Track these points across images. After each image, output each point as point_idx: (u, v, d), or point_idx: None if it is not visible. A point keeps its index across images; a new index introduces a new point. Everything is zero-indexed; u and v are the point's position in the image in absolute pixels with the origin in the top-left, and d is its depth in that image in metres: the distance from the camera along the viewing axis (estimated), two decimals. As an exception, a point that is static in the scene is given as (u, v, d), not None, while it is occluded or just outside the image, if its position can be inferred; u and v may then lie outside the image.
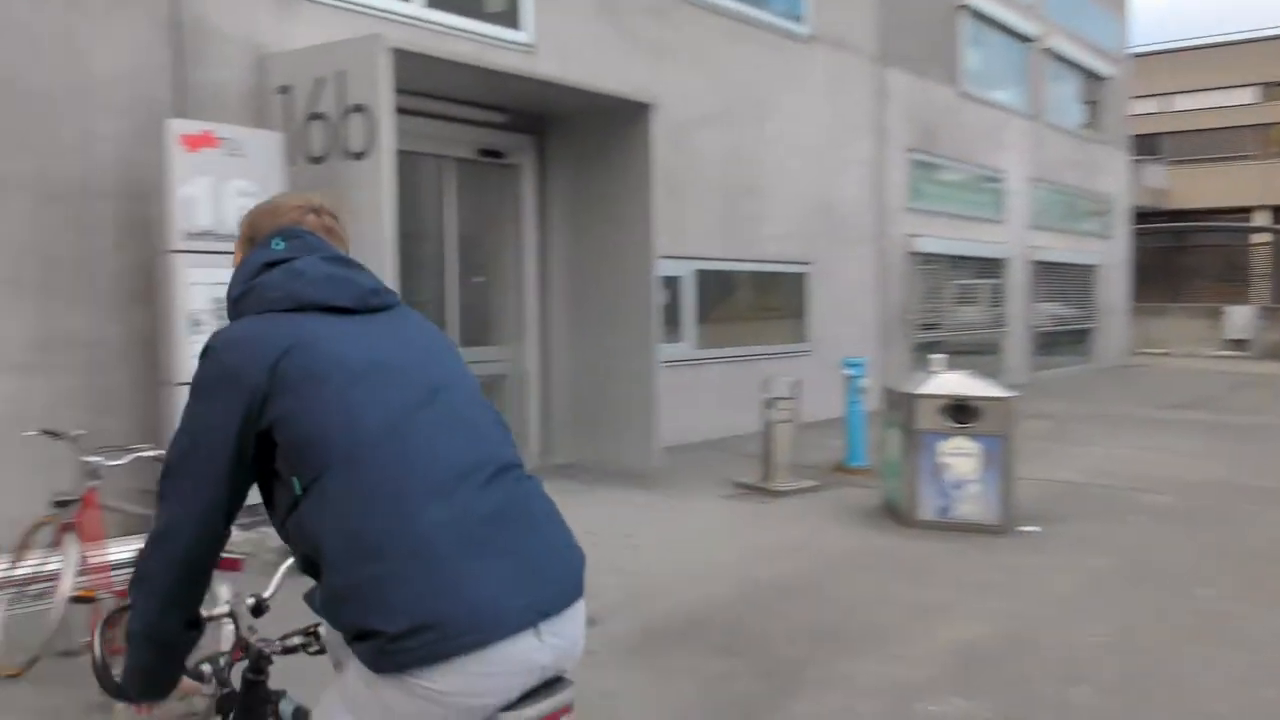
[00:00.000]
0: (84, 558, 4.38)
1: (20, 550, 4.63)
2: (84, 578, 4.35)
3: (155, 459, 4.62)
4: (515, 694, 1.80)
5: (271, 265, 2.05)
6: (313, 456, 1.84)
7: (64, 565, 4.46)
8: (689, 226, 10.73)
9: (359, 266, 2.12)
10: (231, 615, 2.21)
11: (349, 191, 6.70)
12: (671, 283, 10.29)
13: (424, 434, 1.89)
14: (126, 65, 6.67)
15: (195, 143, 6.24)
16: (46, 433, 4.61)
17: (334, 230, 2.20)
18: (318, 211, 2.19)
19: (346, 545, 1.79)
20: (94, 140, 6.50)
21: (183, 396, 5.97)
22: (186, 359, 6.24)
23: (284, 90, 7.15)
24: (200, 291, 6.29)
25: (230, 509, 1.94)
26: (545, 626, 1.81)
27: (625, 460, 8.95)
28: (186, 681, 2.09)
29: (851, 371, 9.39)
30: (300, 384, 1.87)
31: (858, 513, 7.65)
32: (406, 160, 8.04)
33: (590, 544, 2.14)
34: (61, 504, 4.50)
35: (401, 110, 6.93)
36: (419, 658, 1.72)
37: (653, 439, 8.83)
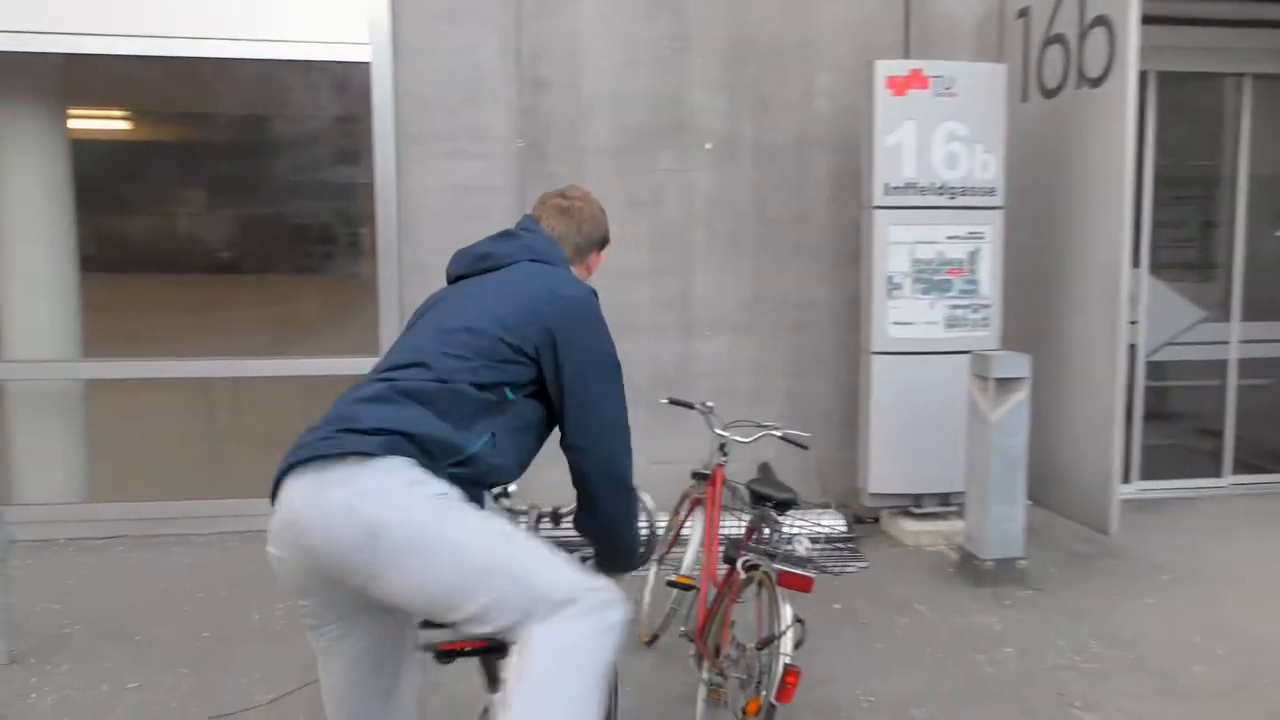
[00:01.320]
0: (705, 536, 4.10)
1: (673, 517, 4.54)
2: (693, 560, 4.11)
3: (786, 438, 4.18)
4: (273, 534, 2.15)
5: None
6: None
7: (689, 543, 4.26)
8: None
9: (509, 236, 2.62)
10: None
11: (1084, 129, 5.44)
12: None
13: (396, 347, 2.38)
14: (857, 13, 6.28)
15: (902, 85, 5.57)
16: (676, 402, 4.43)
17: (567, 208, 2.69)
18: (564, 194, 2.75)
19: None
20: (813, 95, 6.26)
21: (879, 366, 4.83)
22: (884, 326, 5.69)
23: (1022, 13, 6.09)
24: (899, 252, 5.66)
25: None
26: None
27: None
28: None
29: None
30: None
31: None
32: (1172, 83, 6.37)
33: None
34: (699, 476, 4.29)
35: (1164, 20, 5.40)
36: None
37: None
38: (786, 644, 3.09)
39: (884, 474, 5.78)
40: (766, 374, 6.35)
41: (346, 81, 6.08)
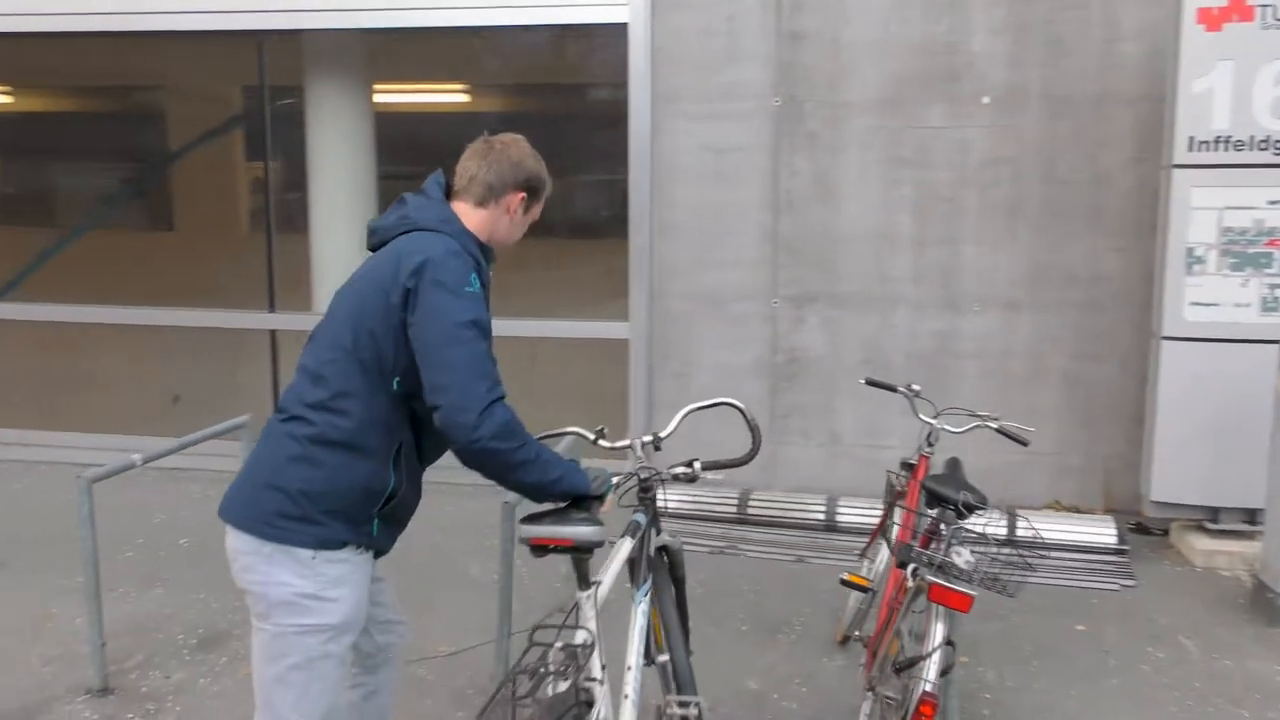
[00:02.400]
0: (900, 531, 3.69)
1: (884, 507, 4.15)
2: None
3: (1004, 431, 3.67)
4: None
5: None
6: None
7: (886, 538, 3.86)
8: None
9: (398, 204, 2.41)
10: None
11: None
12: None
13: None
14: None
15: (1217, 18, 4.65)
16: (875, 383, 3.99)
17: (485, 149, 2.46)
18: (492, 137, 2.50)
19: None
20: (1118, 36, 5.40)
21: (1171, 353, 5.12)
22: (1180, 307, 4.85)
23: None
24: (1203, 219, 4.77)
25: None
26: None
27: None
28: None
29: None
30: None
31: None
32: None
33: None
34: (906, 466, 3.87)
35: None
36: None
37: None
38: (930, 669, 2.68)
39: (1170, 479, 4.93)
40: (1043, 357, 5.62)
41: (603, 43, 6.07)
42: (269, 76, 6.57)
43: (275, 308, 6.56)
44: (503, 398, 2.20)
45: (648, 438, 2.81)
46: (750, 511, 5.45)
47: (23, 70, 7.03)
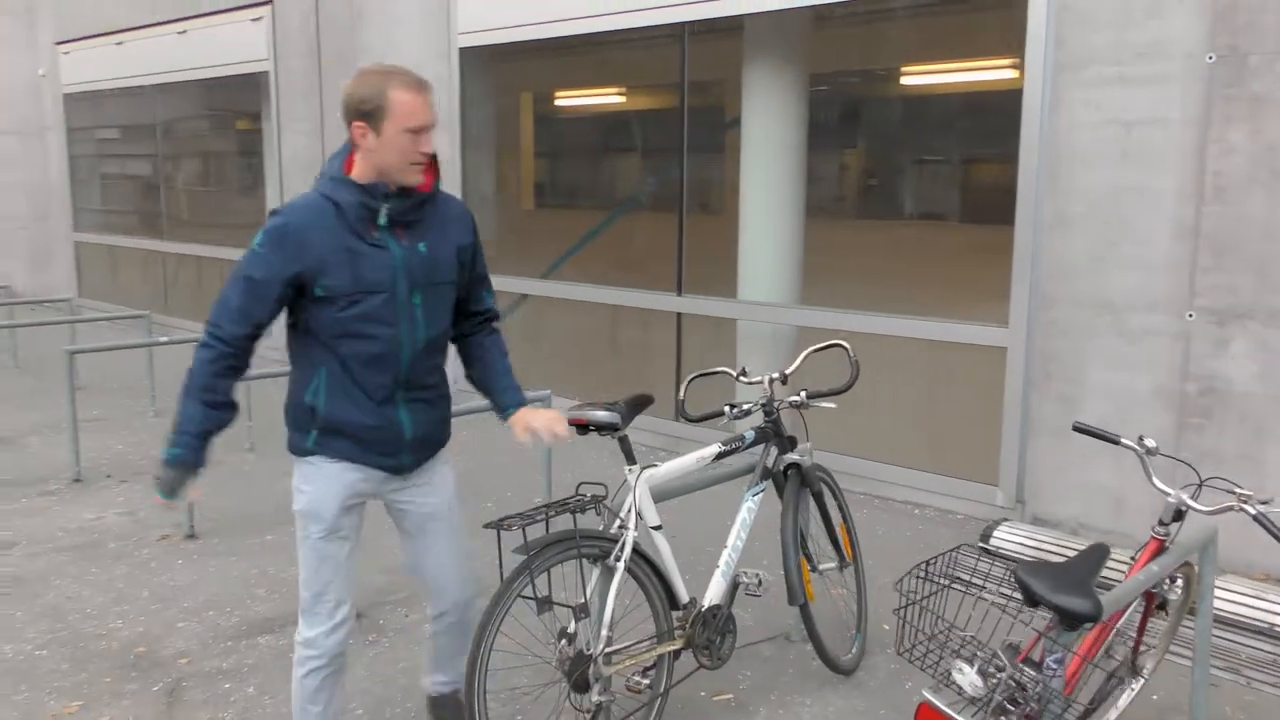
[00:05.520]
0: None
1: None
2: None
3: (1260, 520, 2.60)
4: None
5: None
6: None
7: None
8: None
9: None
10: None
11: None
12: None
13: None
14: None
15: None
16: (1087, 431, 2.93)
17: None
18: None
19: None
20: None
21: None
22: None
23: None
24: None
25: None
26: None
27: None
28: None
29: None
30: None
31: None
32: None
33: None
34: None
35: None
36: None
37: None
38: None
39: None
40: None
41: (1001, 4, 5.21)
42: (689, 71, 6.74)
43: (682, 291, 6.77)
44: (205, 341, 2.53)
45: (775, 374, 3.49)
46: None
47: (565, 76, 8.07)
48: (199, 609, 4.25)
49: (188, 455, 2.55)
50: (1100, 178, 4.82)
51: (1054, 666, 2.22)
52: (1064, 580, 2.22)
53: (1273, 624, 3.72)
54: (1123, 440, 2.85)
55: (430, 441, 2.77)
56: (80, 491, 5.84)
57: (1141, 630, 2.97)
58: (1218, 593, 3.88)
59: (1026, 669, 2.19)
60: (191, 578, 4.58)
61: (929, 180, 5.85)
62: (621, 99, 7.43)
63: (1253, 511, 2.56)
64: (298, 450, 2.67)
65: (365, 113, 2.45)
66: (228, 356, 2.53)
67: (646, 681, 3.04)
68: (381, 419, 2.62)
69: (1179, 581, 2.97)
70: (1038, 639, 2.32)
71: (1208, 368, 4.58)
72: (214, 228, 11.11)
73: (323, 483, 2.63)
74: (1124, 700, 3.26)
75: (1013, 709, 2.23)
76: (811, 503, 3.58)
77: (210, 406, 2.54)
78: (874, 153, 6.18)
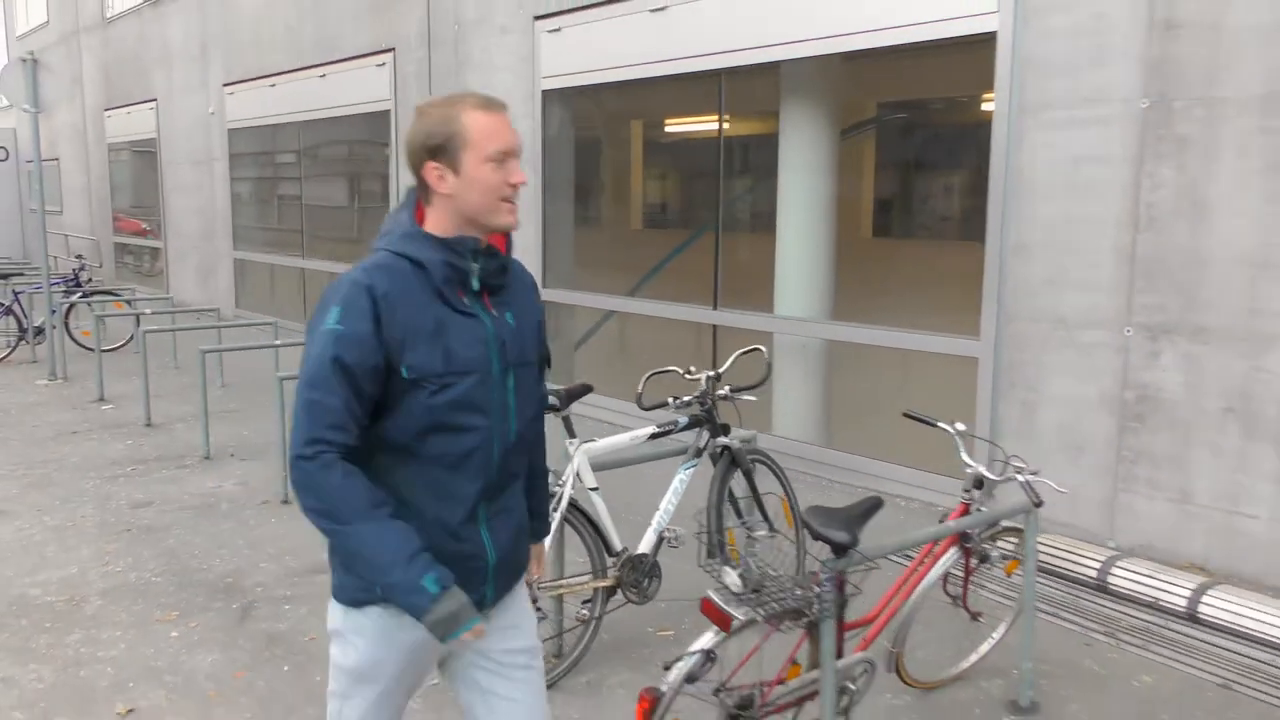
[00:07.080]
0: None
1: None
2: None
3: (1029, 486, 3.30)
4: None
5: None
6: None
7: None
8: None
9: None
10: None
11: None
12: None
13: None
14: None
15: None
16: (913, 417, 3.61)
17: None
18: None
19: None
20: None
21: None
22: None
23: None
24: None
25: None
26: None
27: None
28: None
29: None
30: None
31: None
32: None
33: None
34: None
35: None
36: None
37: None
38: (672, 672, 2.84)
39: None
40: None
41: (970, 55, 5.85)
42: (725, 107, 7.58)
43: (718, 305, 7.60)
44: (310, 456, 1.90)
45: (711, 372, 4.42)
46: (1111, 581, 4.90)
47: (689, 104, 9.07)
48: (279, 554, 5.35)
49: (440, 574, 1.92)
50: (1054, 208, 5.41)
51: (827, 585, 2.97)
52: (835, 518, 2.98)
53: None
54: (939, 424, 3.56)
55: (514, 565, 2.20)
56: (208, 466, 7.11)
57: (967, 576, 3.65)
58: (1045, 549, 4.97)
59: (799, 581, 2.96)
60: (279, 531, 5.70)
61: (929, 202, 6.54)
62: (679, 129, 8.36)
63: (1021, 480, 3.23)
64: (351, 600, 2.06)
65: (436, 148, 1.99)
66: (348, 459, 1.93)
67: (586, 611, 3.93)
68: (462, 544, 2.06)
69: (999, 542, 3.64)
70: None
71: (1143, 378, 5.12)
72: (347, 242, 12.55)
73: (383, 640, 2.06)
74: (985, 647, 3.96)
75: (805, 616, 2.98)
76: (741, 478, 4.40)
77: (395, 517, 1.93)
78: (885, 178, 6.90)
